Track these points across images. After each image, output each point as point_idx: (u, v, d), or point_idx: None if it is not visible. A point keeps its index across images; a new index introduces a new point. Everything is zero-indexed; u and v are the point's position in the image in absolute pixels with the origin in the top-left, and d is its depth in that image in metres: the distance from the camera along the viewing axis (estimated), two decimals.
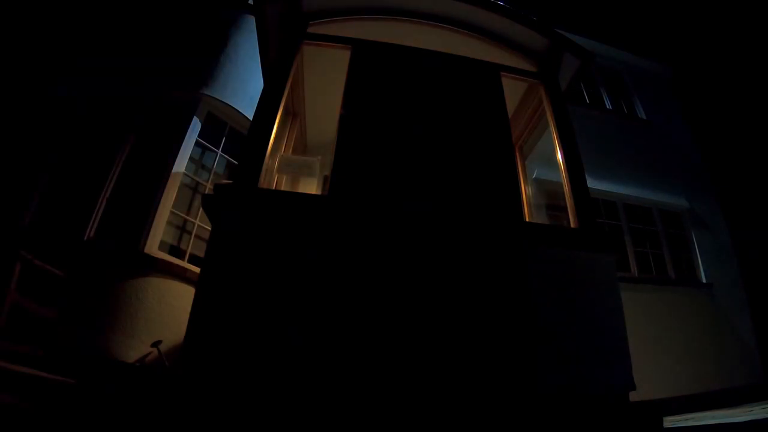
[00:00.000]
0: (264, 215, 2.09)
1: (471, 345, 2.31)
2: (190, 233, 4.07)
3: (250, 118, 2.74)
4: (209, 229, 2.30)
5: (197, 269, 3.56)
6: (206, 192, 4.09)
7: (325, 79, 3.40)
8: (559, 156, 2.77)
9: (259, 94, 2.53)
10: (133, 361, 3.18)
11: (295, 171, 3.23)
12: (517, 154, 3.58)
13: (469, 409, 1.79)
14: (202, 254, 3.71)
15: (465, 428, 1.65)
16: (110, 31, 4.80)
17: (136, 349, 3.23)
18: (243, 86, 4.53)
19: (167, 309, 3.47)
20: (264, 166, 2.28)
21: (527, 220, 3.14)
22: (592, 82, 7.00)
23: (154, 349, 3.20)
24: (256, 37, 2.94)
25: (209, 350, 1.80)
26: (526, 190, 3.45)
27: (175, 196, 3.88)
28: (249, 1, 5.11)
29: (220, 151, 4.42)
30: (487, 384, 2.07)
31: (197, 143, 4.19)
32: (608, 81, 7.16)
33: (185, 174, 4.05)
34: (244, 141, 2.43)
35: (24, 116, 4.15)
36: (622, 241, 5.24)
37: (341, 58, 2.82)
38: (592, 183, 2.81)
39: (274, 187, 3.24)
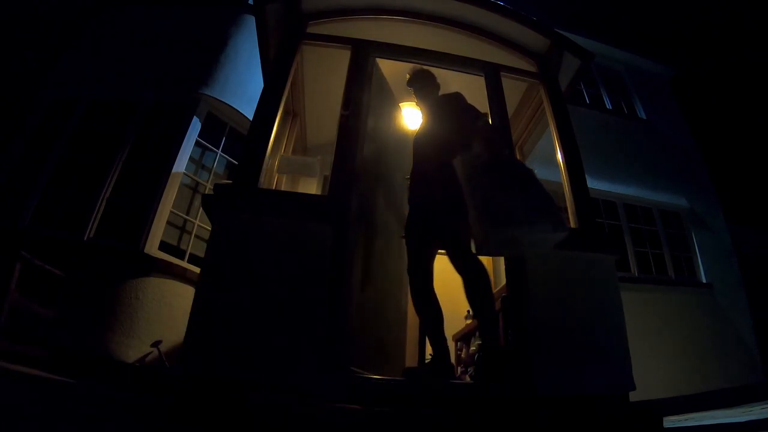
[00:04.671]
0: (264, 215, 2.09)
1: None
2: (190, 233, 4.07)
3: (250, 118, 2.74)
4: (209, 229, 2.30)
5: (197, 269, 3.56)
6: (206, 192, 4.09)
7: (324, 79, 3.40)
8: (559, 156, 2.77)
9: (259, 94, 2.52)
10: (133, 361, 3.18)
11: (295, 171, 3.23)
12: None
13: (468, 408, 1.79)
14: (202, 254, 3.71)
15: (465, 429, 1.66)
16: (110, 31, 4.81)
17: (136, 349, 3.23)
18: (243, 86, 4.53)
19: (167, 309, 3.47)
20: (264, 166, 2.28)
21: None
22: (592, 82, 6.99)
23: (154, 349, 3.20)
24: (256, 36, 2.93)
25: (209, 350, 1.80)
26: None
27: (175, 196, 3.88)
28: (249, 1, 5.11)
29: (220, 151, 4.42)
30: (486, 384, 2.07)
31: (197, 143, 4.19)
32: (608, 81, 7.15)
33: (185, 174, 4.05)
34: (244, 141, 2.43)
35: (24, 116, 4.15)
36: (622, 241, 5.23)
37: (341, 58, 2.82)
38: (592, 183, 2.80)
39: (274, 187, 3.24)
